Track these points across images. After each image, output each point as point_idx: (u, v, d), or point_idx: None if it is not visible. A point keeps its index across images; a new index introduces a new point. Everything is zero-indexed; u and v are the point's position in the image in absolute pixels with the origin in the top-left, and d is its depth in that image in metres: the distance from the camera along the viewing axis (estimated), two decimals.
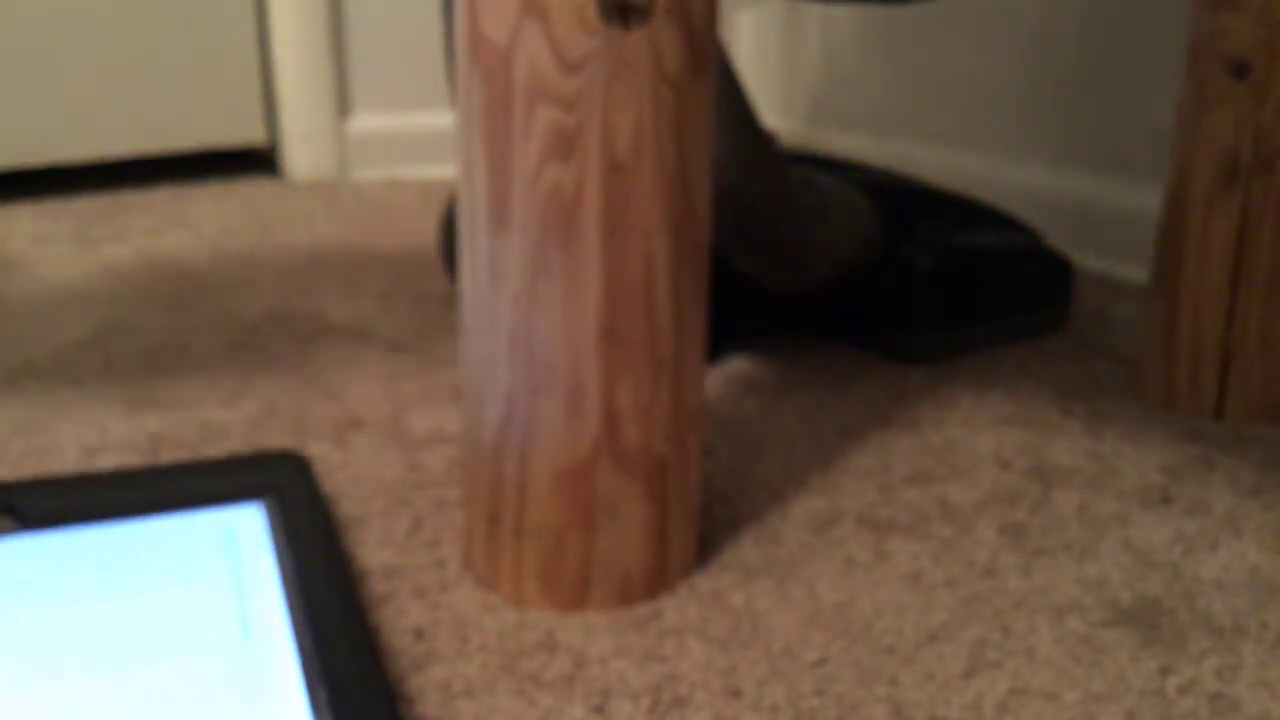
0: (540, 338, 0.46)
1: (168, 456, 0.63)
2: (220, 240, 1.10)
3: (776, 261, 0.72)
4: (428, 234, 1.14)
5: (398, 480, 0.61)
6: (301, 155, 1.39)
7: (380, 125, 1.43)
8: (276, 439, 0.66)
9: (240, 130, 1.38)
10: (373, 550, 0.54)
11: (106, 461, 0.62)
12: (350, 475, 0.61)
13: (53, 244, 1.07)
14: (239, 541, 0.48)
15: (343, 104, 1.41)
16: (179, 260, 1.03)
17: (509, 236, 0.45)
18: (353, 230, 1.15)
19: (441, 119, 1.44)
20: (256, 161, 1.44)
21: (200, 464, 0.55)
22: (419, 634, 0.47)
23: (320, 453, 0.64)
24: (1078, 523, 0.58)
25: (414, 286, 0.96)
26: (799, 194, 0.73)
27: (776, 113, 1.48)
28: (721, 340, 0.81)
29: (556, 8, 0.42)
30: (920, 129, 1.26)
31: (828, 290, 0.80)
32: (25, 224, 1.15)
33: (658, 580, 0.51)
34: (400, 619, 0.48)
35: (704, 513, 0.58)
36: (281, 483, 0.52)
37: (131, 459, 0.62)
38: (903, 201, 0.85)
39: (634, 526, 0.49)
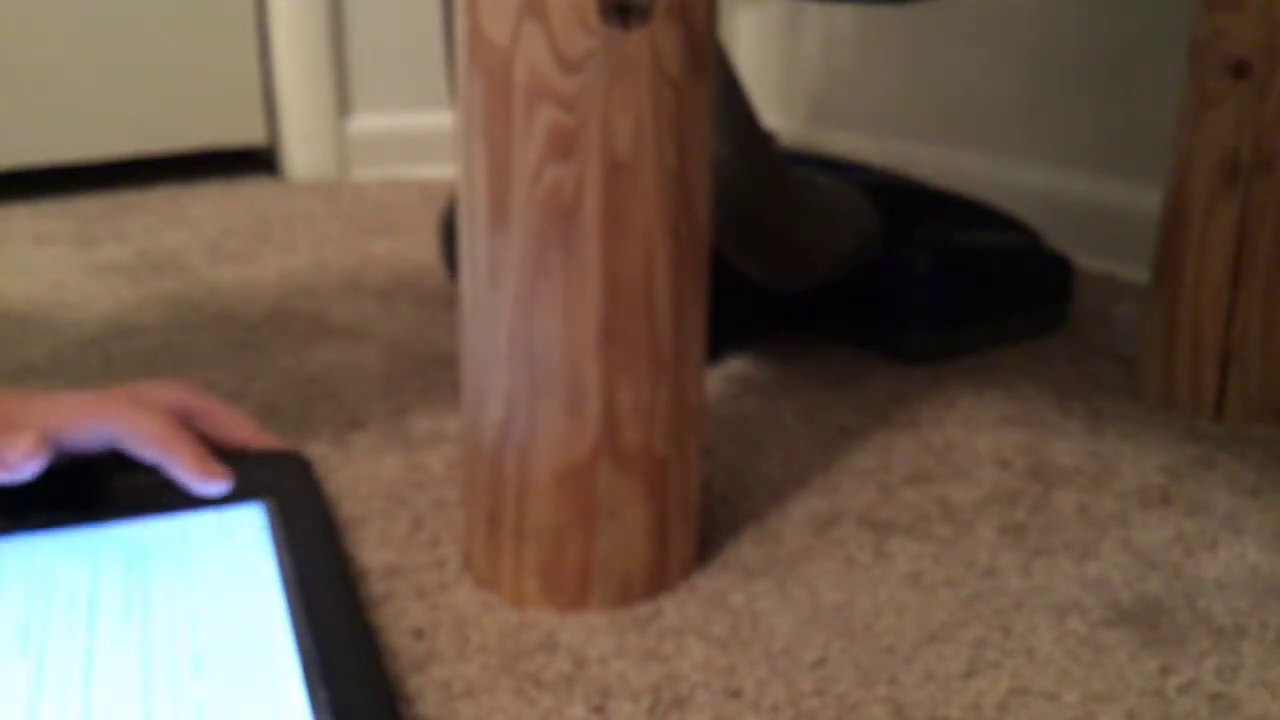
0: (540, 338, 0.46)
1: None
2: (220, 240, 1.10)
3: (777, 261, 0.72)
4: (428, 234, 1.14)
5: (398, 480, 0.61)
6: (301, 155, 1.39)
7: (380, 125, 1.43)
8: (276, 439, 0.65)
9: (240, 130, 1.37)
10: (373, 550, 0.54)
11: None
12: (350, 475, 0.61)
13: (53, 244, 1.07)
14: (239, 541, 0.48)
15: (343, 104, 1.41)
16: (179, 260, 1.03)
17: (509, 236, 0.45)
18: (353, 230, 1.15)
19: (441, 119, 1.44)
20: (256, 161, 1.44)
21: None
22: (419, 634, 0.47)
23: (320, 453, 0.64)
24: (1078, 523, 0.58)
25: (414, 286, 0.96)
26: (799, 194, 0.73)
27: (776, 113, 1.48)
28: (721, 340, 0.81)
29: (556, 8, 0.42)
30: (920, 129, 1.26)
31: (828, 290, 0.80)
32: (25, 224, 1.15)
33: (658, 580, 0.51)
34: (400, 619, 0.48)
35: (704, 513, 0.58)
36: (281, 483, 0.52)
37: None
38: (903, 201, 0.85)
39: (634, 526, 0.49)
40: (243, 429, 0.56)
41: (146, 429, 0.51)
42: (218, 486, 0.51)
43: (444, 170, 1.44)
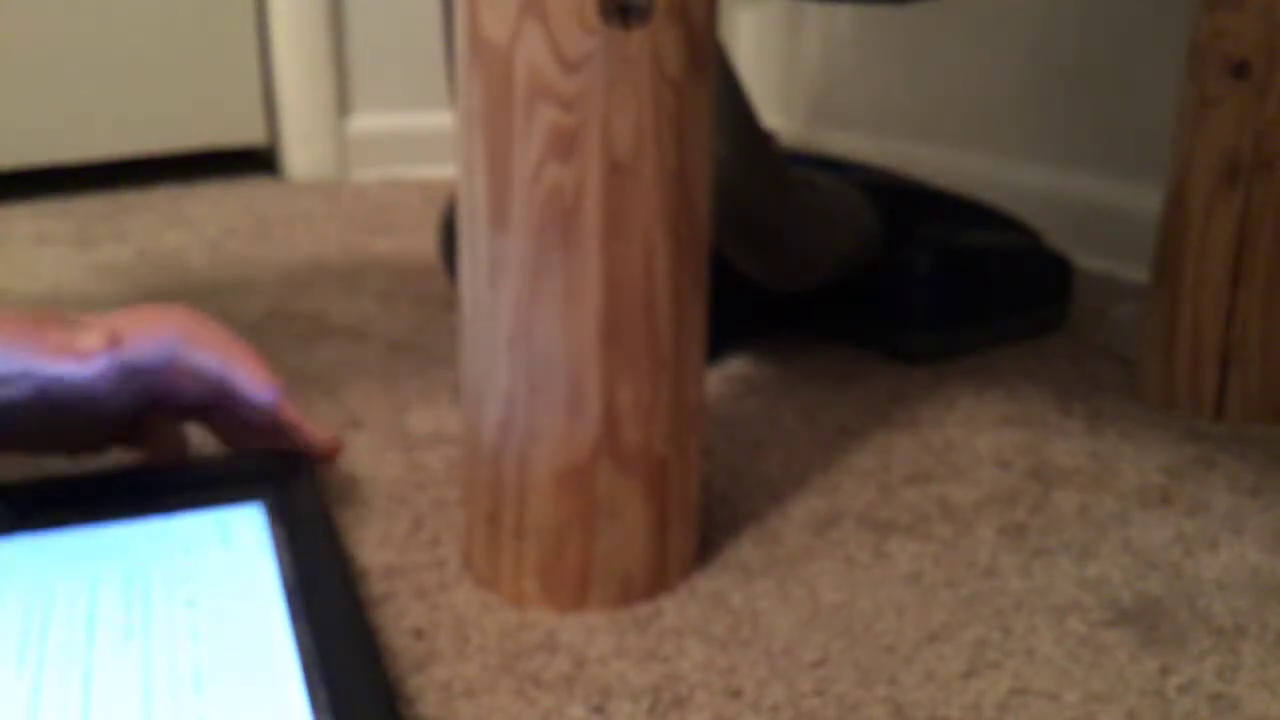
0: (540, 338, 0.46)
1: None
2: (220, 240, 1.10)
3: (777, 261, 0.72)
4: (428, 234, 1.14)
5: (398, 480, 0.61)
6: (301, 155, 1.39)
7: (380, 125, 1.43)
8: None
9: (240, 130, 1.38)
10: (373, 550, 0.54)
11: (107, 461, 0.62)
12: (350, 475, 0.61)
13: (53, 244, 1.07)
14: (239, 541, 0.48)
15: (343, 104, 1.41)
16: (179, 260, 1.03)
17: (509, 236, 0.45)
18: (353, 230, 1.15)
19: (441, 119, 1.44)
20: (256, 161, 1.44)
21: (200, 464, 0.55)
22: (419, 634, 0.47)
23: None
24: (1078, 523, 0.58)
25: (414, 286, 0.96)
26: (799, 194, 0.73)
27: (776, 113, 1.48)
28: (721, 340, 0.81)
29: (556, 8, 0.42)
30: (920, 129, 1.26)
31: (828, 290, 0.80)
32: (25, 224, 1.15)
33: (658, 580, 0.51)
34: (400, 619, 0.48)
35: (704, 513, 0.58)
36: (281, 483, 0.52)
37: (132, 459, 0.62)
38: (903, 201, 0.85)
39: (634, 526, 0.49)
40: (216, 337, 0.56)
41: (207, 334, 0.51)
42: (273, 393, 0.52)
43: (444, 170, 1.44)
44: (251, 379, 0.52)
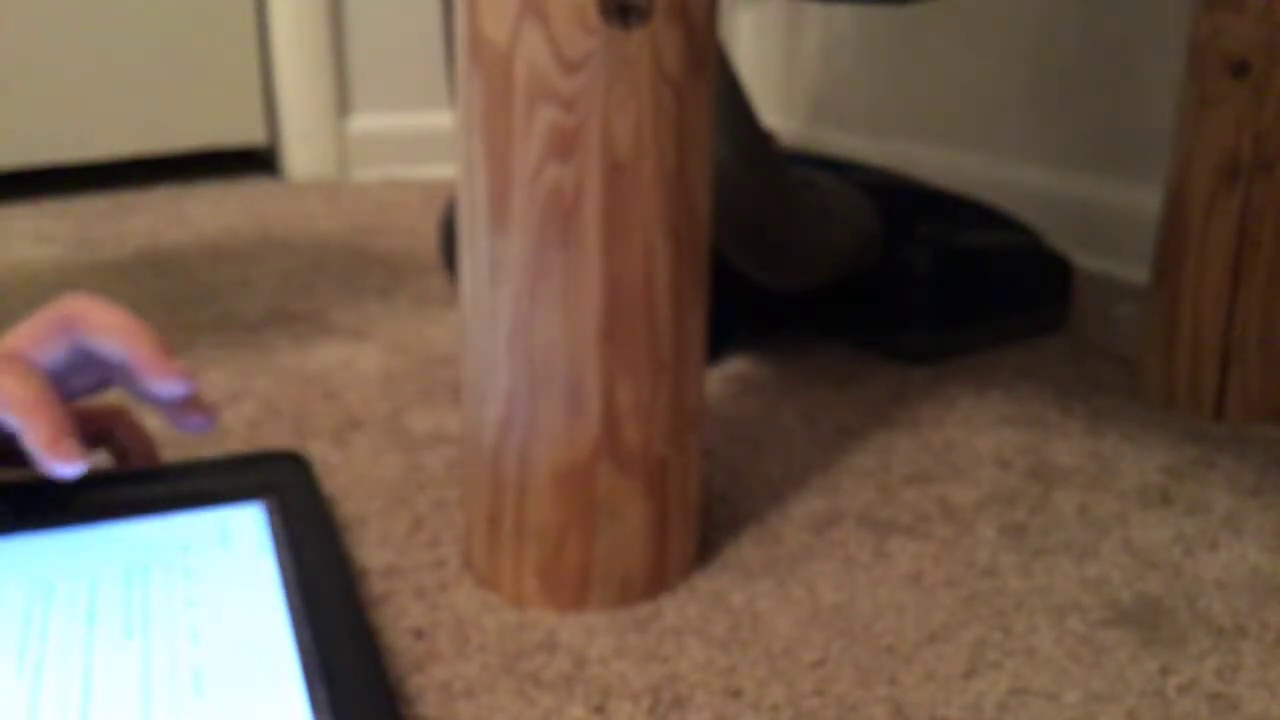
0: (540, 338, 0.46)
1: (168, 456, 0.63)
2: (220, 240, 1.10)
3: (777, 261, 0.72)
4: (428, 234, 1.14)
5: (398, 480, 0.61)
6: (301, 155, 1.39)
7: (380, 125, 1.43)
8: (276, 439, 0.66)
9: (240, 130, 1.38)
10: (373, 550, 0.54)
11: (107, 461, 0.62)
12: (350, 475, 0.61)
13: (53, 244, 1.07)
14: (238, 541, 0.48)
15: (343, 104, 1.41)
16: (179, 261, 1.03)
17: (509, 236, 0.45)
18: (353, 230, 1.15)
19: (441, 119, 1.44)
20: (256, 161, 1.44)
21: (200, 464, 0.55)
22: (419, 634, 0.47)
23: (320, 453, 0.64)
24: (1078, 523, 0.58)
25: (414, 286, 0.96)
26: (799, 194, 0.73)
27: (776, 113, 1.48)
28: (721, 340, 0.81)
29: (556, 8, 0.42)
30: (920, 129, 1.26)
31: (828, 290, 0.80)
32: (25, 224, 1.15)
33: (658, 580, 0.51)
34: (400, 619, 0.48)
35: (704, 513, 0.58)
36: (281, 483, 0.52)
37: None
38: (903, 201, 0.85)
39: (634, 526, 0.49)
40: (111, 316, 0.52)
41: (7, 391, 0.46)
42: (68, 468, 0.45)
43: (444, 170, 1.44)
44: (42, 449, 0.46)
